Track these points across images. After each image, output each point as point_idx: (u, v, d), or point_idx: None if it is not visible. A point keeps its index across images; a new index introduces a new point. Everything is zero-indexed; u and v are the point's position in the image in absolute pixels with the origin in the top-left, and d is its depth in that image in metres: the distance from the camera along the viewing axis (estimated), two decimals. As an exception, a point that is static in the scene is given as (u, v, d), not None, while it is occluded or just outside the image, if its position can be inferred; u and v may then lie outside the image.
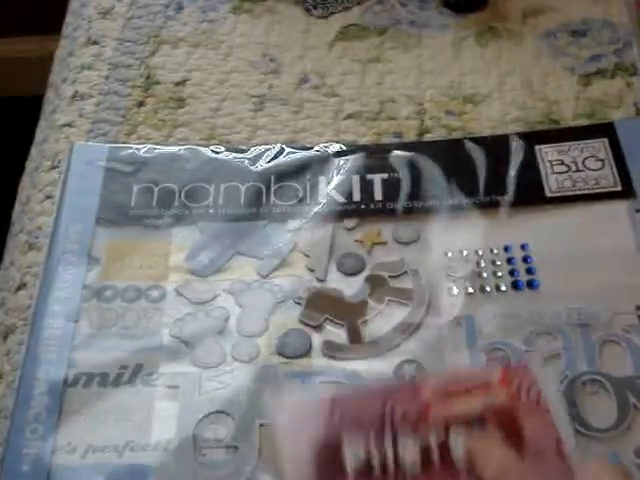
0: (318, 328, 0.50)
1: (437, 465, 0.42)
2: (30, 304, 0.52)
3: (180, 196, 0.56)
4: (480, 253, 0.52)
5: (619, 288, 0.50)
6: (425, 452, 0.42)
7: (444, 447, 0.42)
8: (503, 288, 0.51)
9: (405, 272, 0.52)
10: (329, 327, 0.50)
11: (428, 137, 0.60)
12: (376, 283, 0.52)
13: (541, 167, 0.56)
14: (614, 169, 0.55)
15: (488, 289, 0.51)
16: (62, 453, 0.45)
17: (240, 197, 0.56)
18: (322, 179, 0.56)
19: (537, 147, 0.57)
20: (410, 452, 0.42)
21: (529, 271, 0.51)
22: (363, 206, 0.55)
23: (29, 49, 1.49)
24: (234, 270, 0.52)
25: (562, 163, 0.56)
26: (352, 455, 0.42)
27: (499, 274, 0.51)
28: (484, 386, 0.44)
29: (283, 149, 0.58)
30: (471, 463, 0.41)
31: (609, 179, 0.55)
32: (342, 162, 0.57)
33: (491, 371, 0.45)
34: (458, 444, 0.42)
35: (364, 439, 0.42)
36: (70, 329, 0.50)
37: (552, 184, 0.55)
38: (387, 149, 0.58)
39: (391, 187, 0.55)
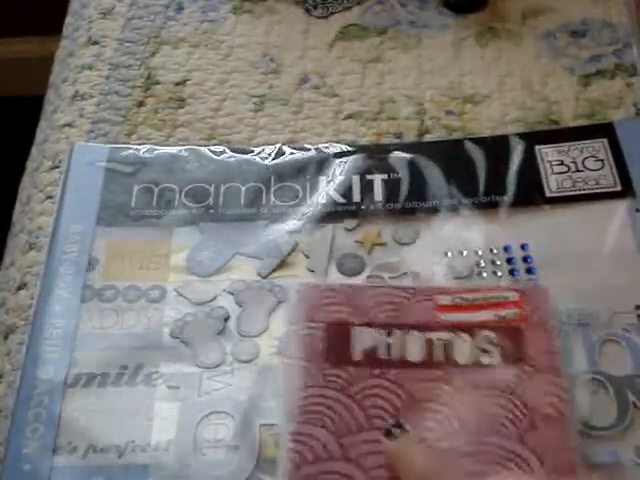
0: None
1: (439, 361, 0.46)
2: (31, 304, 0.52)
3: (180, 196, 0.56)
4: (480, 253, 0.52)
5: (619, 288, 0.50)
6: (429, 349, 0.46)
7: (448, 348, 0.46)
8: (503, 288, 0.51)
9: (405, 273, 0.52)
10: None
11: (428, 137, 0.60)
12: (376, 283, 0.52)
13: (541, 167, 0.56)
14: (614, 169, 0.55)
15: (488, 289, 0.51)
16: (62, 453, 0.45)
17: (240, 197, 0.56)
18: (322, 179, 0.56)
19: (537, 147, 0.57)
20: (415, 346, 0.46)
21: (529, 271, 0.51)
22: (363, 207, 0.55)
23: (29, 49, 1.49)
24: (234, 270, 0.52)
25: (562, 163, 0.56)
26: (361, 340, 0.46)
27: (499, 274, 0.51)
28: (498, 304, 0.47)
29: (283, 149, 0.58)
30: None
31: (609, 179, 0.55)
32: (342, 162, 0.57)
33: (509, 291, 0.48)
34: (463, 348, 0.46)
35: (374, 331, 0.47)
36: (71, 329, 0.50)
37: (552, 184, 0.55)
38: (387, 149, 0.58)
39: (391, 188, 0.55)
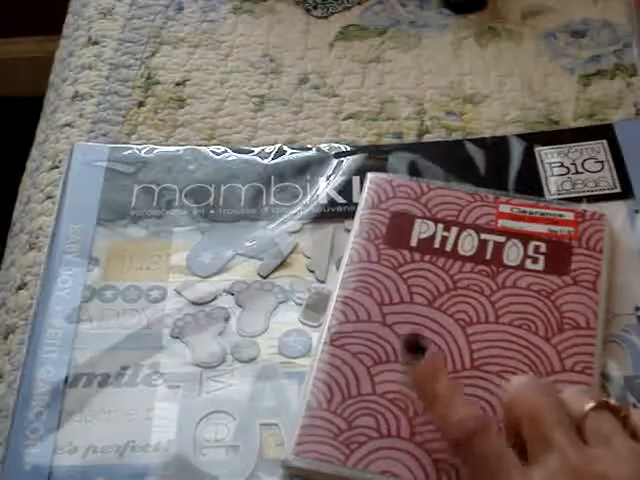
0: (318, 328, 0.50)
1: (488, 259, 0.50)
2: (31, 304, 0.52)
3: (180, 196, 0.56)
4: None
5: (618, 289, 0.50)
6: (481, 247, 0.50)
7: (499, 250, 0.50)
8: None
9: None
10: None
11: (428, 137, 0.60)
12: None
13: (541, 169, 0.56)
14: (613, 171, 0.55)
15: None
16: (63, 453, 0.45)
17: (240, 197, 0.56)
18: (322, 180, 0.56)
19: (537, 149, 0.57)
20: (468, 243, 0.50)
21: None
22: (363, 206, 0.55)
23: (29, 49, 1.50)
24: (234, 270, 0.52)
25: (562, 165, 0.56)
26: (420, 229, 0.51)
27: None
28: (554, 220, 0.51)
29: (283, 149, 0.58)
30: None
31: (608, 181, 0.55)
32: (342, 163, 0.57)
33: (568, 211, 0.52)
34: (513, 252, 0.50)
35: (434, 224, 0.51)
36: (71, 329, 0.50)
37: (552, 186, 0.55)
38: (387, 150, 0.58)
39: (391, 187, 0.56)
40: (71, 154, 0.58)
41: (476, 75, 0.64)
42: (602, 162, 0.56)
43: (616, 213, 0.53)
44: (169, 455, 0.45)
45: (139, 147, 0.59)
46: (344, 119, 0.62)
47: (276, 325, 0.50)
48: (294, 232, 0.54)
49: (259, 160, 0.58)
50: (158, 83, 0.65)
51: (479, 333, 0.47)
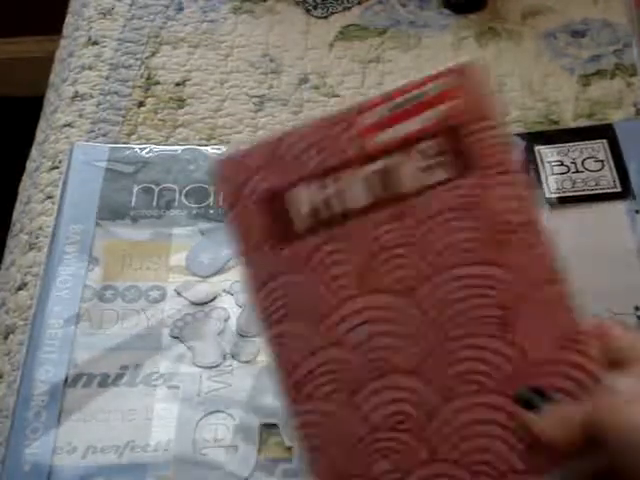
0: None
1: (383, 198, 0.37)
2: (31, 304, 0.52)
3: (180, 196, 0.56)
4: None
5: (618, 289, 0.50)
6: (370, 188, 0.37)
7: (387, 178, 0.37)
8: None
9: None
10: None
11: (428, 137, 0.60)
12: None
13: (541, 168, 0.56)
14: (613, 170, 0.55)
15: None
16: (62, 453, 0.45)
17: (240, 197, 0.56)
18: (322, 179, 0.56)
19: (537, 148, 0.57)
20: (354, 190, 0.37)
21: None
22: (363, 206, 0.54)
23: (29, 49, 1.49)
24: (234, 271, 0.52)
25: (562, 164, 0.56)
26: (296, 203, 0.37)
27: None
28: (429, 102, 0.38)
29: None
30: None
31: (608, 180, 0.55)
32: (342, 162, 0.57)
33: (436, 80, 0.38)
34: (404, 172, 0.37)
35: (305, 189, 0.37)
36: (71, 329, 0.50)
37: (552, 185, 0.55)
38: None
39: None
40: (71, 154, 0.58)
41: (476, 75, 0.64)
42: (602, 161, 0.56)
43: (616, 212, 0.53)
44: (169, 455, 0.45)
45: (139, 147, 0.59)
46: (344, 119, 0.62)
47: (276, 325, 0.50)
48: (294, 232, 0.54)
49: (259, 160, 0.58)
50: (158, 83, 0.65)
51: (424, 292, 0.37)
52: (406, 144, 0.37)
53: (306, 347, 0.37)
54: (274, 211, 0.37)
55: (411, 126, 0.37)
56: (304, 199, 0.37)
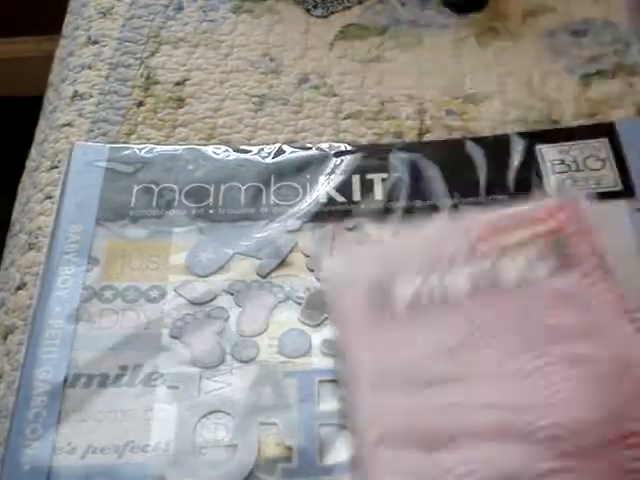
0: (318, 327, 0.50)
1: (485, 288, 0.43)
2: (30, 304, 0.52)
3: (180, 196, 0.56)
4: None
5: (619, 288, 0.50)
6: (474, 280, 0.43)
7: (493, 274, 0.43)
8: (503, 288, 0.51)
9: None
10: (329, 326, 0.50)
11: (428, 137, 0.60)
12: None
13: (542, 167, 0.56)
14: (615, 169, 0.55)
15: (488, 289, 0.51)
16: (62, 453, 0.45)
17: (240, 197, 0.56)
18: (322, 179, 0.56)
19: (538, 147, 0.57)
20: (458, 281, 0.43)
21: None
22: (363, 206, 0.55)
23: (29, 49, 1.49)
24: (234, 270, 0.52)
25: (563, 163, 0.56)
26: (402, 293, 0.44)
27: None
28: (532, 220, 0.45)
29: (283, 148, 0.58)
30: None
31: (610, 179, 0.55)
32: (342, 162, 0.57)
33: (538, 206, 0.47)
34: (510, 266, 0.43)
35: (413, 280, 0.44)
36: (70, 329, 0.49)
37: (553, 184, 0.55)
38: (387, 149, 0.58)
39: (391, 187, 0.55)
40: (70, 154, 0.58)
41: (476, 75, 0.64)
42: (603, 160, 0.56)
43: (617, 211, 0.53)
44: (168, 455, 0.45)
45: (139, 147, 0.59)
46: (344, 119, 0.62)
47: (276, 324, 0.50)
48: (293, 231, 0.54)
49: (259, 159, 0.58)
50: (158, 83, 0.65)
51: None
52: (515, 249, 0.44)
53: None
54: (379, 297, 0.44)
55: (520, 235, 0.45)
56: (408, 287, 0.43)
